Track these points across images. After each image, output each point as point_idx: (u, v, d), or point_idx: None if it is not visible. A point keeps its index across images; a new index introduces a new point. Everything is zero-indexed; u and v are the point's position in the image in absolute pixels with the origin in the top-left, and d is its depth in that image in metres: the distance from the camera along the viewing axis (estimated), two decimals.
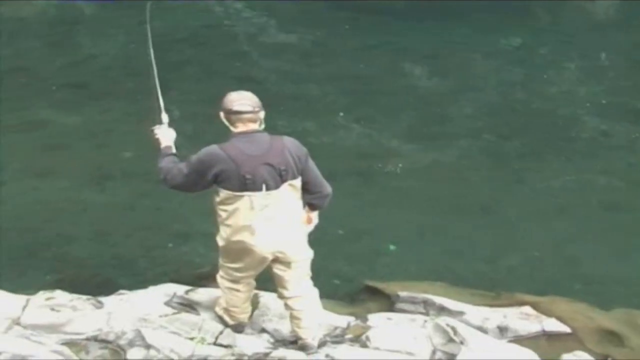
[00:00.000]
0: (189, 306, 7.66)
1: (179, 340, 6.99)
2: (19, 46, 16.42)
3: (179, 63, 15.49)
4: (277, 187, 6.60)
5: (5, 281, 8.33)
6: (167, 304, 7.67)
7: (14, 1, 19.36)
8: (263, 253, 6.72)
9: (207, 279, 8.12)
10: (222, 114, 6.72)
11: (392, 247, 9.63)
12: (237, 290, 7.11)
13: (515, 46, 16.34)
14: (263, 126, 6.78)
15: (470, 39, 16.54)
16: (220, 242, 6.90)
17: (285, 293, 7.01)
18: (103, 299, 7.72)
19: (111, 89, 14.26)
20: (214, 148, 6.63)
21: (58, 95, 13.83)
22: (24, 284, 8.19)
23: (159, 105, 7.72)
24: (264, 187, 6.53)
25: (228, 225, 6.71)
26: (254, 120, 6.69)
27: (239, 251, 6.78)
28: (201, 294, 7.78)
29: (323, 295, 7.28)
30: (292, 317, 7.12)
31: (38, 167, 11.47)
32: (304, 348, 7.08)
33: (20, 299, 7.55)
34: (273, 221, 6.63)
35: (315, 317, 7.21)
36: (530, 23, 17.95)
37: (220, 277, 7.15)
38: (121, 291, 8.00)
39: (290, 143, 6.78)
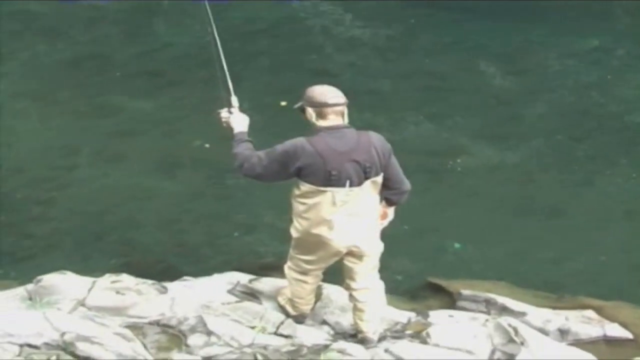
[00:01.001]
0: (252, 295, 7.69)
1: (240, 328, 7.04)
2: (96, 33, 16.58)
3: (253, 54, 15.52)
4: (360, 183, 6.60)
5: (72, 263, 8.47)
6: (230, 292, 7.72)
7: None
8: (339, 247, 6.74)
9: (270, 269, 8.16)
10: (309, 108, 6.69)
11: (457, 245, 9.58)
12: (305, 282, 7.12)
13: (592, 47, 16.07)
14: (347, 120, 6.77)
15: (546, 38, 16.32)
16: (295, 234, 6.88)
17: (353, 284, 7.02)
18: (167, 284, 7.79)
19: (185, 77, 14.32)
20: (301, 141, 6.60)
21: (132, 82, 13.94)
22: (90, 267, 8.32)
23: (228, 88, 7.79)
24: (347, 183, 6.53)
25: (306, 219, 6.69)
26: (343, 114, 6.72)
27: (315, 244, 6.79)
28: (264, 284, 7.81)
29: (385, 290, 7.28)
30: (355, 309, 7.12)
31: (109, 153, 11.60)
32: (363, 341, 7.08)
33: (87, 281, 7.66)
34: (352, 217, 6.64)
35: (378, 311, 7.21)
36: (608, 24, 17.65)
37: (288, 267, 7.16)
38: (185, 277, 8.06)
39: (376, 139, 6.77)
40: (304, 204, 6.66)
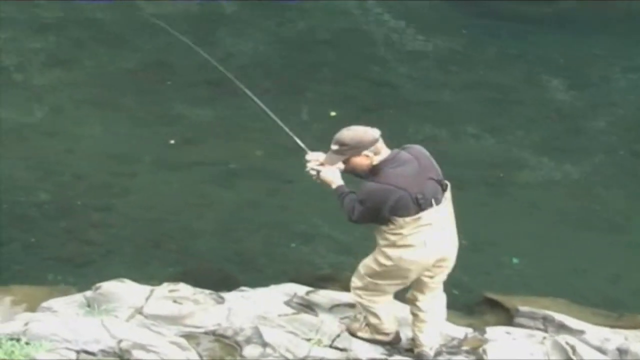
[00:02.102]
0: (309, 307, 7.65)
1: (296, 340, 7.01)
2: (160, 42, 16.71)
3: (315, 64, 15.56)
4: (441, 199, 6.51)
5: (130, 270, 8.53)
6: (287, 303, 7.69)
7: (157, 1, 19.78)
8: (430, 263, 6.62)
9: (326, 281, 8.16)
10: (365, 152, 6.39)
11: (515, 260, 9.50)
12: (382, 302, 6.96)
13: None
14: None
15: (610, 52, 16.18)
16: (381, 266, 6.62)
17: (420, 297, 6.90)
18: (225, 294, 7.80)
19: (247, 87, 14.35)
20: (377, 186, 6.34)
21: (194, 91, 14.03)
22: (148, 274, 8.37)
23: (297, 142, 7.42)
24: (433, 202, 6.43)
25: (400, 247, 6.46)
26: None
27: (406, 270, 6.61)
28: (321, 296, 7.77)
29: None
30: (416, 321, 7.00)
31: (170, 161, 11.67)
32: (420, 357, 7.00)
33: (145, 289, 7.70)
34: (441, 231, 6.54)
35: (439, 325, 7.15)
36: None
37: (363, 297, 6.91)
38: (242, 288, 8.06)
39: (423, 150, 6.66)
40: (397, 234, 6.43)
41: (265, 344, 6.89)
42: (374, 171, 6.42)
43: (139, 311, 7.36)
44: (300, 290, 7.90)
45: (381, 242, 6.56)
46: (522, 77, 14.89)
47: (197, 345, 6.94)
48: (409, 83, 14.56)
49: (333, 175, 6.77)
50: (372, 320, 7.03)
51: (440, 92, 14.07)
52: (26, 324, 6.86)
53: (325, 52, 16.23)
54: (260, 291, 7.93)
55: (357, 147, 6.39)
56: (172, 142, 12.14)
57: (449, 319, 7.63)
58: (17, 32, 17.81)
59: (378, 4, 18.88)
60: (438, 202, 6.45)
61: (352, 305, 7.34)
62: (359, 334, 7.20)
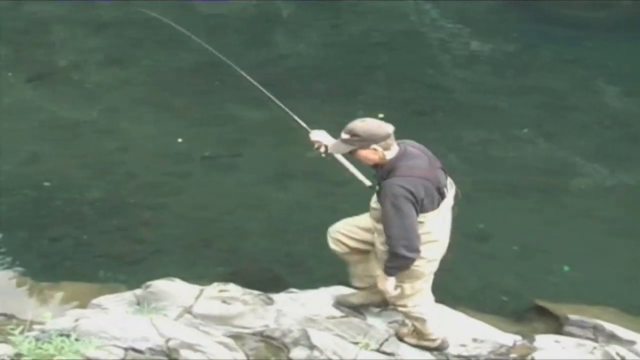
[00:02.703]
0: (357, 310, 7.64)
1: (343, 343, 7.00)
2: (216, 42, 16.67)
3: (370, 67, 15.55)
4: (448, 187, 6.53)
5: (180, 269, 8.57)
6: (336, 306, 7.68)
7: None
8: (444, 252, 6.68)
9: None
10: (374, 146, 6.28)
11: (565, 268, 9.38)
12: (426, 296, 6.94)
13: None
14: None
15: None
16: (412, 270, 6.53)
17: None
18: (273, 295, 7.81)
19: (301, 88, 14.38)
20: (401, 181, 6.19)
21: (247, 92, 13.97)
22: (197, 274, 8.42)
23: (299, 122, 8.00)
24: (446, 191, 6.43)
25: (426, 242, 6.39)
26: None
27: (433, 263, 6.67)
28: None
29: (490, 311, 7.18)
30: None
31: (223, 161, 11.73)
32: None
33: (194, 288, 7.73)
34: (448, 221, 6.60)
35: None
36: None
37: (406, 305, 6.85)
38: (291, 289, 8.06)
39: (419, 144, 6.65)
40: (425, 233, 6.33)
41: (312, 347, 6.88)
42: (390, 168, 6.31)
43: (188, 310, 7.40)
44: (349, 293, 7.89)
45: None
46: (576, 83, 14.74)
47: (244, 346, 6.96)
48: (463, 87, 14.48)
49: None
50: (419, 325, 7.02)
51: (495, 97, 13.96)
52: (76, 321, 6.93)
53: (380, 55, 16.20)
54: (309, 293, 7.93)
55: (368, 140, 6.30)
56: (180, 140, 12.21)
57: (497, 325, 7.62)
58: (74, 32, 18.03)
59: (434, 6, 18.84)
60: (448, 191, 6.49)
61: None
62: (407, 339, 7.20)
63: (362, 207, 10.03)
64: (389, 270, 6.43)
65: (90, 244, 9.65)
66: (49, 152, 12.03)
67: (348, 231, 7.10)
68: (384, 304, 7.26)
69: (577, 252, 9.69)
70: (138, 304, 7.48)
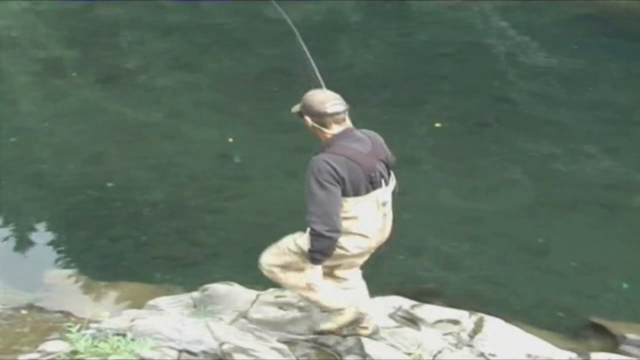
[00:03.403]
0: (412, 321, 7.58)
1: (397, 354, 6.94)
2: (282, 49, 16.85)
3: (435, 77, 15.54)
4: (388, 181, 6.35)
5: (236, 273, 8.60)
6: (391, 316, 7.62)
7: (281, 4, 19.91)
8: (373, 248, 6.52)
9: (430, 295, 8.08)
10: (309, 119, 6.24)
11: (624, 285, 9.26)
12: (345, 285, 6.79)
13: None
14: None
15: None
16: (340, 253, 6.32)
17: (346, 275, 6.80)
18: None
19: (366, 97, 14.38)
20: (324, 157, 6.06)
21: None
22: (253, 278, 8.38)
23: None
24: (383, 183, 6.25)
25: (348, 234, 6.20)
26: (344, 120, 6.30)
27: (356, 256, 6.47)
28: (426, 311, 7.68)
29: (545, 327, 7.08)
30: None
31: (285, 167, 11.75)
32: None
33: (251, 293, 7.73)
34: (387, 216, 6.43)
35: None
36: None
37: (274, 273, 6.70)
38: None
39: (377, 135, 6.50)
40: (351, 218, 6.15)
41: (365, 356, 6.83)
42: (325, 145, 6.20)
43: (244, 315, 7.39)
44: (406, 303, 7.82)
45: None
46: None
47: (296, 352, 6.93)
48: (528, 99, 14.38)
49: None
50: (313, 297, 6.66)
51: (560, 110, 13.84)
52: (132, 321, 6.96)
53: (445, 65, 16.17)
54: None
55: (304, 109, 6.27)
56: (231, 140, 12.20)
57: (552, 342, 7.50)
58: (143, 34, 18.24)
59: (502, 18, 18.78)
60: (386, 182, 6.30)
61: (455, 322, 7.27)
62: (322, 326, 6.95)
63: (423, 218, 10.05)
64: (313, 257, 6.18)
65: (149, 245, 9.73)
66: (113, 153, 12.16)
67: (282, 262, 6.75)
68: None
69: (636, 269, 9.55)
70: (194, 306, 7.50)
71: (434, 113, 13.50)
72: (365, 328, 6.81)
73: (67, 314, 8.33)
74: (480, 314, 7.30)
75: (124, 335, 6.29)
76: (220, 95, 14.22)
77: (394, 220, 6.44)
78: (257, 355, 6.59)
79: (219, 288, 7.72)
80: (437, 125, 12.82)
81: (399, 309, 7.73)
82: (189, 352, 6.56)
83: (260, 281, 7.51)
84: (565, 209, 10.47)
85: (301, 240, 6.35)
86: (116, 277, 9.28)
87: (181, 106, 13.75)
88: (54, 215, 11.32)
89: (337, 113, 6.20)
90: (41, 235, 10.71)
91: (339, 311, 6.74)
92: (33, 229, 10.90)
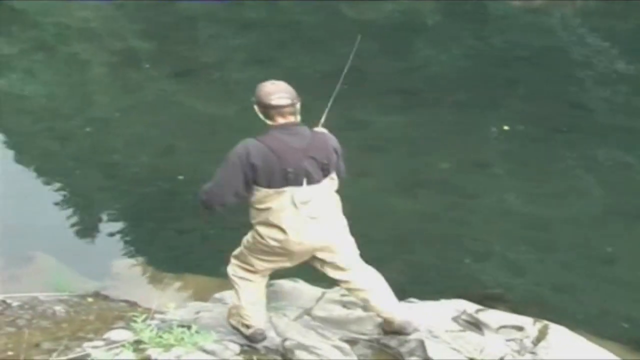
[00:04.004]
0: (476, 325, 7.52)
1: (459, 358, 6.91)
2: (360, 47, 16.83)
3: (511, 81, 15.42)
4: (318, 181, 6.23)
5: (303, 270, 8.54)
6: (455, 319, 7.56)
7: (360, 3, 19.98)
8: (301, 251, 6.37)
9: (495, 300, 8.00)
10: (256, 108, 6.23)
11: None
12: (250, 281, 6.65)
13: None
14: (299, 118, 6.32)
15: None
16: (251, 242, 6.42)
17: (343, 276, 6.69)
18: None
19: (439, 98, 14.35)
20: (251, 141, 6.13)
21: (385, 98, 14.08)
22: (317, 276, 8.37)
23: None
24: (304, 181, 6.15)
25: (265, 225, 6.24)
26: (292, 113, 6.24)
27: (275, 251, 6.37)
28: (491, 316, 7.61)
29: (608, 337, 6.98)
30: (365, 301, 6.80)
31: (354, 167, 11.61)
32: (401, 330, 6.85)
33: (316, 291, 7.73)
34: (314, 219, 6.26)
35: (388, 291, 6.87)
36: None
37: (233, 266, 6.68)
38: (411, 299, 8.01)
39: (331, 137, 6.45)
40: (261, 210, 6.20)
41: (427, 358, 6.81)
42: (264, 133, 6.19)
43: (308, 312, 7.39)
44: (470, 307, 7.76)
45: (252, 220, 6.34)
46: None
47: (359, 352, 6.93)
48: (604, 106, 14.20)
49: None
50: (235, 299, 6.74)
51: (636, 118, 13.63)
52: (197, 313, 7.04)
53: (522, 69, 16.04)
54: (429, 304, 7.85)
55: (256, 100, 6.24)
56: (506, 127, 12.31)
57: (615, 352, 7.40)
58: (220, 29, 18.35)
59: (583, 23, 18.57)
60: (311, 181, 6.18)
61: (519, 328, 7.20)
62: (230, 319, 6.87)
63: (491, 222, 9.97)
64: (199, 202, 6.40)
65: (216, 238, 9.78)
66: (185, 146, 12.27)
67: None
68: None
69: None
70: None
71: (507, 117, 13.40)
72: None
73: (132, 304, 8.43)
74: (544, 321, 7.21)
75: (189, 327, 6.34)
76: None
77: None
78: (318, 353, 6.59)
79: (284, 284, 7.72)
80: (506, 128, 12.75)
81: (463, 312, 7.65)
82: (251, 346, 6.59)
83: (324, 279, 7.52)
84: (635, 218, 10.32)
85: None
86: (182, 269, 9.36)
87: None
88: (124, 205, 11.47)
89: (281, 106, 6.17)
90: (110, 224, 10.88)
91: (246, 326, 6.71)
92: (103, 218, 11.07)
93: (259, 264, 6.52)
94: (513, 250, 9.47)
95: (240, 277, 6.62)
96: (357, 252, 6.83)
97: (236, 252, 6.66)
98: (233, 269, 6.67)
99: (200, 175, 11.20)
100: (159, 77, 15.58)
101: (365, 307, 6.89)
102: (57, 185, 11.95)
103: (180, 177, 11.43)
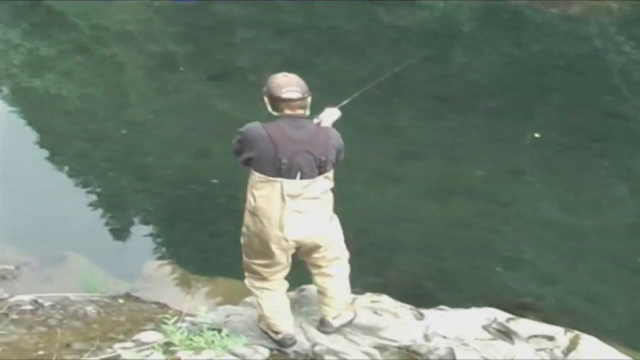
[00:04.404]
0: (506, 334, 7.50)
1: None
2: (396, 54, 16.85)
3: (548, 89, 15.35)
4: (312, 177, 6.21)
5: None
6: (485, 328, 7.55)
7: (397, 9, 19.97)
8: (285, 241, 6.32)
9: (526, 309, 7.97)
10: (266, 99, 6.28)
11: None
12: (269, 289, 6.71)
13: None
14: (308, 112, 6.36)
15: None
16: (244, 238, 6.51)
17: (315, 270, 6.75)
18: (424, 311, 7.74)
19: (475, 105, 14.30)
20: (256, 124, 6.20)
21: (422, 105, 14.06)
22: (350, 282, 8.40)
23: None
24: (298, 175, 6.15)
25: (254, 214, 6.28)
26: (302, 107, 6.27)
27: (263, 242, 6.37)
28: (521, 325, 7.59)
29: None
30: (320, 295, 6.87)
31: (388, 172, 11.74)
32: (323, 325, 6.91)
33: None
34: (302, 213, 6.24)
35: (343, 298, 6.96)
36: None
37: (247, 278, 6.76)
38: (442, 306, 7.99)
39: (334, 135, 6.41)
40: (253, 195, 6.24)
41: None
42: (274, 118, 6.25)
43: None
44: (501, 316, 7.73)
45: (246, 204, 6.39)
46: None
47: (388, 359, 6.92)
48: None
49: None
50: (258, 309, 6.81)
51: None
52: (227, 316, 7.06)
53: (558, 77, 15.96)
54: (460, 312, 7.83)
55: (266, 88, 6.29)
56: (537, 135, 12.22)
57: None
58: (257, 33, 18.39)
59: (619, 31, 18.45)
60: (304, 176, 6.17)
61: (550, 338, 7.17)
62: (259, 323, 6.92)
63: (523, 231, 9.93)
64: None
65: None
66: (220, 149, 12.29)
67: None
68: None
69: None
70: (290, 306, 7.53)
71: (542, 124, 13.35)
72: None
73: (162, 306, 8.48)
74: (575, 331, 7.18)
75: (219, 331, 6.36)
76: (329, 97, 14.18)
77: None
78: (347, 358, 6.61)
79: (314, 289, 7.71)
80: (537, 135, 12.70)
81: (494, 321, 7.64)
82: (280, 351, 6.61)
83: (354, 285, 7.52)
84: None
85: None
86: (214, 273, 9.39)
87: None
88: (157, 207, 11.53)
89: (291, 100, 6.19)
90: (143, 226, 10.97)
91: (274, 332, 6.78)
92: (135, 220, 11.15)
93: (260, 270, 6.61)
94: (545, 259, 9.43)
95: (257, 288, 6.71)
96: (343, 251, 6.91)
97: (243, 262, 6.73)
98: (248, 280, 6.76)
99: (234, 178, 11.31)
100: (194, 80, 15.64)
101: (321, 292, 6.90)
102: (91, 186, 12.04)
103: (214, 181, 11.48)
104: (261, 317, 6.83)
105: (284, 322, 6.73)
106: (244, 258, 6.63)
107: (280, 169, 6.11)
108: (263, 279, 6.64)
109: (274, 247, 6.34)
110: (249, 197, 6.32)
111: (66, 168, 12.68)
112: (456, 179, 11.60)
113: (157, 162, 12.52)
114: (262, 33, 18.57)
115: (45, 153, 13.21)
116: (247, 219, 6.38)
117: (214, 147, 12.55)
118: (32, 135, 14.01)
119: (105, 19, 20.31)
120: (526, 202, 10.88)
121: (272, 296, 6.69)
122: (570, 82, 15.70)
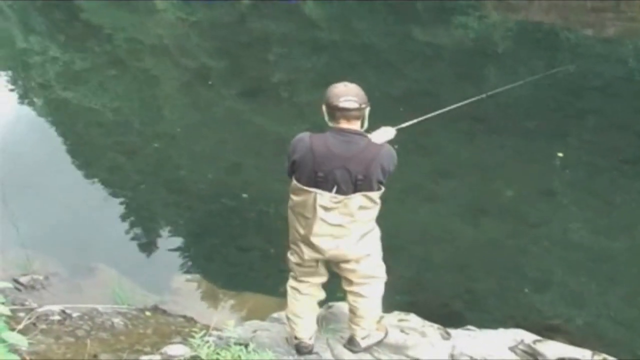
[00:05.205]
0: (533, 356, 7.47)
1: None
2: (430, 72, 16.86)
3: (583, 111, 15.27)
4: (347, 193, 6.14)
5: None
6: (512, 349, 7.53)
7: (431, 28, 19.99)
8: (316, 249, 6.36)
9: (554, 331, 7.92)
10: (324, 107, 6.23)
11: None
12: (298, 291, 6.76)
13: None
14: (366, 124, 6.31)
15: None
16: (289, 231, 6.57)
17: (347, 287, 6.76)
18: (452, 330, 7.72)
19: (508, 125, 14.25)
20: (305, 135, 6.24)
21: (455, 124, 14.00)
22: None
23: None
24: (334, 189, 6.12)
25: (293, 211, 6.37)
26: (358, 118, 6.20)
27: (298, 241, 6.44)
28: (549, 347, 7.56)
29: None
30: (350, 312, 6.89)
31: (421, 190, 11.73)
32: (350, 342, 6.96)
33: None
34: (332, 227, 6.23)
35: (372, 319, 6.96)
36: None
37: (289, 277, 6.86)
38: (469, 327, 7.97)
39: (386, 154, 6.28)
40: (292, 199, 6.31)
41: None
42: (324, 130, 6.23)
43: None
44: (528, 337, 7.71)
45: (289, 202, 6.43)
46: None
47: None
48: None
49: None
50: (287, 313, 6.90)
51: None
52: (254, 332, 7.06)
53: (592, 99, 15.88)
54: (487, 332, 7.81)
55: (325, 100, 6.23)
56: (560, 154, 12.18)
57: None
58: (292, 50, 18.45)
59: None
60: (340, 192, 6.12)
61: None
62: (287, 327, 7.07)
63: (553, 252, 9.87)
64: None
65: (276, 257, 9.77)
66: (251, 164, 12.34)
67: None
68: None
69: None
70: (317, 323, 7.52)
71: (575, 146, 13.27)
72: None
73: (189, 319, 8.50)
74: (603, 355, 7.12)
75: (246, 346, 6.37)
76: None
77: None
78: None
79: (343, 306, 7.70)
80: (560, 154, 12.63)
81: (521, 342, 7.62)
82: None
83: (385, 303, 7.51)
84: None
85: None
86: (241, 287, 9.40)
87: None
88: (187, 221, 11.58)
89: (348, 109, 6.14)
90: (172, 239, 11.00)
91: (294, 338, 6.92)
92: (165, 233, 11.20)
93: (294, 267, 6.70)
94: (574, 281, 9.36)
95: (291, 287, 6.80)
96: (380, 271, 6.87)
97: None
98: (289, 279, 6.86)
99: (264, 194, 11.34)
100: (228, 95, 15.71)
101: (352, 311, 6.93)
102: (123, 198, 12.12)
103: (245, 196, 11.50)
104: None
105: (305, 328, 6.82)
106: (287, 254, 6.72)
107: (316, 181, 6.14)
108: (296, 278, 6.73)
109: (302, 245, 6.42)
110: (290, 197, 6.37)
111: (98, 180, 12.77)
112: (487, 199, 11.56)
113: (188, 175, 12.59)
114: (297, 50, 18.65)
115: (78, 164, 13.33)
116: (289, 213, 6.44)
117: (246, 162, 12.58)
118: (65, 146, 14.14)
119: (141, 33, 20.49)
120: (557, 223, 10.82)
121: (300, 299, 6.76)
122: (605, 104, 15.60)
